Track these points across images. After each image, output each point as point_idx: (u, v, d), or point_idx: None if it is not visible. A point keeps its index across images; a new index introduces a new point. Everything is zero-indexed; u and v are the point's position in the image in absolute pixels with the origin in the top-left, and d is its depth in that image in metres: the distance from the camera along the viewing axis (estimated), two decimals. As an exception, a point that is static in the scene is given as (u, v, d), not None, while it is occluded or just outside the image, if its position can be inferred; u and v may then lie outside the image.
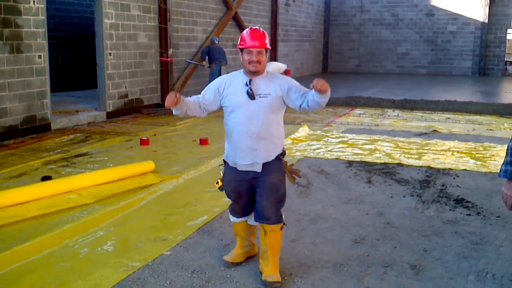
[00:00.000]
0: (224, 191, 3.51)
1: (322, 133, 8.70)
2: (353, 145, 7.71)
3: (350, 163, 6.66)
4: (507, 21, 20.89)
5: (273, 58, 17.37)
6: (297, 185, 5.56)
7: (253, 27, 3.30)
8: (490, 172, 6.20)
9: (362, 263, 3.67)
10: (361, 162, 6.70)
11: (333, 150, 7.37)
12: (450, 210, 4.86)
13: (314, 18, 22.37)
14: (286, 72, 12.51)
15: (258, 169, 3.26)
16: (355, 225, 4.45)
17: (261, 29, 3.30)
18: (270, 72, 3.35)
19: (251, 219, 3.56)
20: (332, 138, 8.29)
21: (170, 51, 11.45)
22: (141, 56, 10.82)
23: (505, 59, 22.16)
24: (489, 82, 18.67)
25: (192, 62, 12.44)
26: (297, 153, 7.20)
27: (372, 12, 22.73)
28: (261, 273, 3.39)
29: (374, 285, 3.34)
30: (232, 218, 3.61)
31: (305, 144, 7.84)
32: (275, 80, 3.29)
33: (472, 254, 3.85)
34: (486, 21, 20.84)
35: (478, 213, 4.78)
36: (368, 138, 8.23)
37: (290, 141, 7.98)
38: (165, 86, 11.50)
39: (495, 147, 7.60)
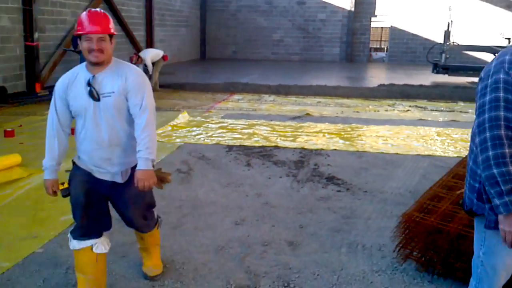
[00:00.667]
0: (69, 197, 2.81)
1: (202, 119, 8.71)
2: (232, 130, 7.83)
3: (230, 147, 6.77)
4: (371, 9, 22.48)
5: (150, 43, 16.93)
6: (178, 172, 5.53)
7: (92, 9, 2.71)
8: (357, 151, 6.70)
9: (243, 244, 3.76)
10: (240, 146, 6.84)
11: (213, 136, 7.42)
12: (323, 187, 5.17)
13: (191, 3, 22.18)
14: (164, 58, 12.28)
15: (119, 179, 2.80)
16: (235, 207, 4.55)
17: (103, 11, 2.73)
18: (118, 61, 2.78)
19: (100, 246, 2.82)
20: (212, 123, 8.35)
21: (36, 35, 10.62)
22: (3, 40, 9.90)
23: (370, 46, 23.94)
24: (356, 67, 20.05)
25: (70, 50, 11.62)
26: (178, 140, 7.13)
27: (247, -1, 23.13)
28: (142, 263, 3.32)
29: (255, 264, 3.45)
30: (74, 244, 2.81)
31: (185, 130, 7.80)
32: (122, 72, 2.71)
33: (344, 227, 4.13)
34: (353, 9, 22.25)
35: (348, 189, 5.14)
36: (247, 123, 8.42)
37: (170, 128, 7.88)
38: (31, 72, 10.67)
39: (361, 128, 8.23)
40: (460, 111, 10.28)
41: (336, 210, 4.54)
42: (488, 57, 17.09)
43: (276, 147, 6.84)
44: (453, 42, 15.24)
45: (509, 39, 16.60)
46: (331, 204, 4.70)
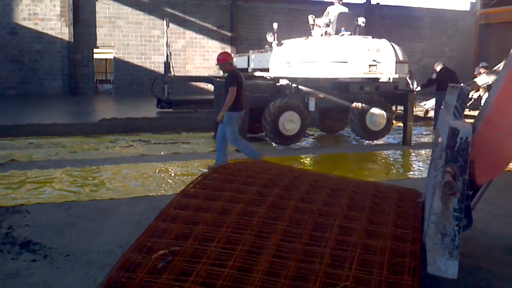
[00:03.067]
0: None
1: None
2: None
3: None
4: (92, 40, 21.62)
5: None
6: None
7: None
8: (66, 202, 5.82)
9: None
10: None
11: None
12: (13, 259, 4.15)
13: None
14: None
15: None
16: None
17: None
18: None
19: None
20: None
21: None
22: None
23: (95, 78, 23.00)
24: (81, 101, 18.88)
25: None
26: None
27: None
28: None
29: None
30: None
31: None
32: None
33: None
34: (72, 40, 21.04)
35: (46, 255, 4.23)
36: None
37: None
38: None
39: (76, 171, 7.34)
40: (183, 142, 10.32)
41: (25, 289, 3.61)
42: (210, 87, 18.11)
43: (-41, 210, 5.43)
44: (173, 74, 15.59)
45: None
46: (20, 282, 3.73)
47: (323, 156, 9.26)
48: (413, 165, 8.67)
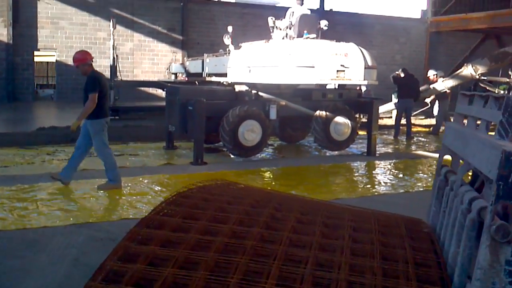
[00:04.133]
0: None
1: None
2: None
3: None
4: (32, 42, 20.10)
5: None
6: None
7: None
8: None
9: None
10: None
11: None
12: None
13: None
14: None
15: None
16: None
17: None
18: None
19: None
20: None
21: None
22: None
23: (36, 83, 21.41)
24: (20, 108, 17.40)
25: None
26: None
27: None
28: None
29: None
30: None
31: None
32: None
33: None
34: (11, 42, 19.47)
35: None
36: None
37: None
38: None
39: (5, 191, 6.24)
40: (130, 154, 9.34)
41: None
42: (160, 92, 17.17)
43: None
44: (120, 78, 14.51)
45: (175, 74, 17.04)
46: None
47: (286, 169, 8.53)
48: (384, 178, 8.07)
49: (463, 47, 26.50)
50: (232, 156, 9.23)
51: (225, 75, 10.79)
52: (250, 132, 8.72)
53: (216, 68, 12.31)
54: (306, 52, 8.63)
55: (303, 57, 8.51)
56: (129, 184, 6.89)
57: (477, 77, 12.60)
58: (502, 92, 12.63)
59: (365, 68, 8.96)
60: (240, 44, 10.52)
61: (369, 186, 7.48)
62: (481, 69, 12.44)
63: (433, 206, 3.34)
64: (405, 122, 12.91)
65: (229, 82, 10.25)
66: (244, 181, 7.36)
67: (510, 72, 11.63)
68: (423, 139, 12.84)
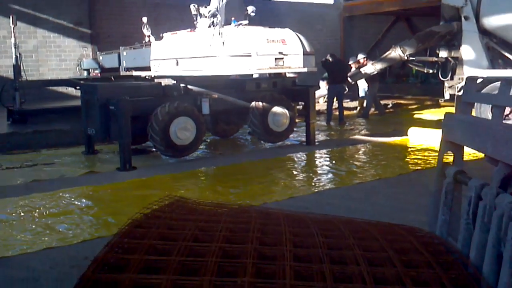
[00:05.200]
0: None
1: None
2: None
3: None
4: None
5: None
6: None
7: None
8: None
9: None
10: None
11: None
12: None
13: None
14: None
15: None
16: None
17: None
18: None
19: None
20: None
21: None
22: None
23: None
24: None
25: None
26: None
27: None
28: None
29: None
30: None
31: None
32: None
33: None
34: None
35: None
36: None
37: None
38: None
39: None
40: (45, 164, 8.13)
41: None
42: (72, 91, 15.78)
43: None
44: (26, 78, 12.96)
45: (88, 70, 15.74)
46: None
47: (227, 167, 7.78)
48: (333, 170, 7.55)
49: (375, 30, 27.07)
50: (163, 157, 8.34)
51: (146, 68, 9.80)
52: (183, 130, 7.87)
53: (135, 61, 11.23)
54: (241, 40, 7.89)
55: (238, 46, 7.75)
56: (49, 202, 5.82)
57: (406, 58, 12.57)
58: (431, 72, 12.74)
59: (303, 54, 8.39)
60: (161, 35, 9.59)
61: (321, 180, 6.93)
62: (409, 50, 12.42)
63: (442, 215, 2.78)
64: (336, 107, 12.67)
65: (153, 76, 9.29)
66: (183, 186, 6.56)
67: (437, 51, 11.64)
68: (355, 124, 12.64)
